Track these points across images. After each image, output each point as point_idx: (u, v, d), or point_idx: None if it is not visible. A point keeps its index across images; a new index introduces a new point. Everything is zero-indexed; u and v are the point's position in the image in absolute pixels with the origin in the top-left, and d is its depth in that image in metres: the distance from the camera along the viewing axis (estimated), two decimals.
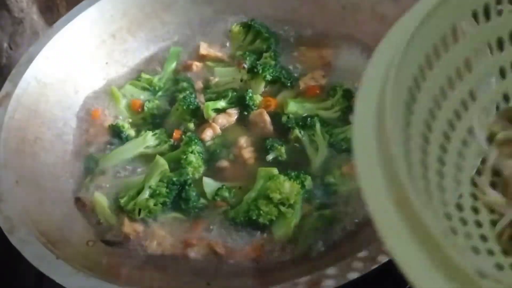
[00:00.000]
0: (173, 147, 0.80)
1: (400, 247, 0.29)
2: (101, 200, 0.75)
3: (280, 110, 0.81)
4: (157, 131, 0.82)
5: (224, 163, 0.77)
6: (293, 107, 0.80)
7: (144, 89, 0.90)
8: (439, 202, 0.38)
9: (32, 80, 0.82)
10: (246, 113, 0.82)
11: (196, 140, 0.77)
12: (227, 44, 0.94)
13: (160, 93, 0.89)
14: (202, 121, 0.83)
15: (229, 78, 0.87)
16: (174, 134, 0.82)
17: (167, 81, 0.90)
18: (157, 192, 0.72)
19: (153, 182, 0.73)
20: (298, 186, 0.69)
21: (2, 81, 0.81)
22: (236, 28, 0.94)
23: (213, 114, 0.82)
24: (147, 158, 0.79)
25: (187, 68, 0.91)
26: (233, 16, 0.96)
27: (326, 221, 0.67)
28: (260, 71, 0.83)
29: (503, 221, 0.41)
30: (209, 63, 0.91)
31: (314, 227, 0.67)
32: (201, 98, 0.86)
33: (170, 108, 0.86)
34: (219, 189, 0.73)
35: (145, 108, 0.86)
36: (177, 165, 0.76)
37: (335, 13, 0.90)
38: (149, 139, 0.80)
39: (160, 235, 0.70)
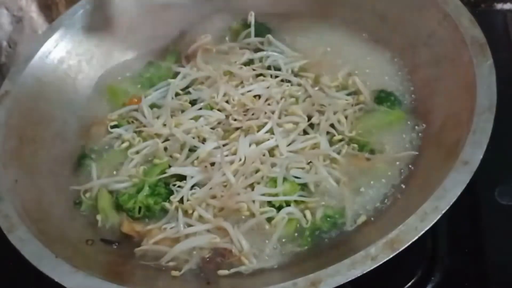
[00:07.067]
0: None
1: None
2: (105, 198, 0.75)
3: None
4: None
5: None
6: None
7: (144, 87, 0.89)
8: None
9: (31, 79, 0.82)
10: None
11: None
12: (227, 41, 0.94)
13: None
14: None
15: None
16: None
17: (167, 79, 0.90)
18: (156, 192, 0.72)
19: (152, 181, 0.73)
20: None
21: (1, 80, 0.81)
22: (235, 26, 0.94)
23: None
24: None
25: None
26: (232, 14, 0.96)
27: (327, 219, 0.67)
28: None
29: None
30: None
31: (314, 226, 0.66)
32: None
33: None
34: None
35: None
36: None
37: (334, 11, 0.90)
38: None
39: (159, 234, 0.70)
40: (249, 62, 0.87)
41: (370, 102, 0.78)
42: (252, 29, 0.91)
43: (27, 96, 0.81)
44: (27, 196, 0.70)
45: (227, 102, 0.81)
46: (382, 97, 0.78)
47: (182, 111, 0.82)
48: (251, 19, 0.92)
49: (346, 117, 0.76)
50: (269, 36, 0.89)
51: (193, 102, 0.83)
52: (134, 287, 0.61)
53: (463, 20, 0.71)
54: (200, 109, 0.81)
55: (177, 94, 0.85)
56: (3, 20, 1.04)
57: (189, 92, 0.85)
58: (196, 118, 0.80)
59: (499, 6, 1.04)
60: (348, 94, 0.80)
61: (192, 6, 0.96)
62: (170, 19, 0.97)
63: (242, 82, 0.84)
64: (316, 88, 0.81)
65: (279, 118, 0.77)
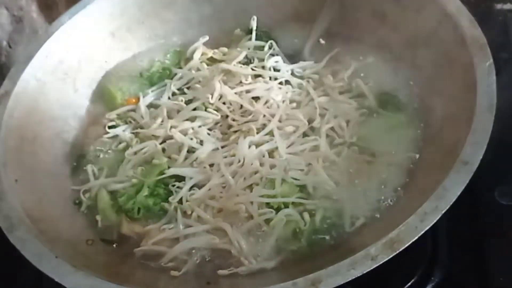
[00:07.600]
0: None
1: None
2: (104, 198, 0.75)
3: None
4: None
5: None
6: None
7: (143, 87, 0.89)
8: None
9: (31, 79, 0.82)
10: None
11: None
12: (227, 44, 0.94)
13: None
14: None
15: None
16: None
17: (166, 79, 0.90)
18: (155, 192, 0.72)
19: (151, 181, 0.73)
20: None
21: (1, 79, 0.81)
22: (238, 32, 0.94)
23: None
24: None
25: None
26: (233, 15, 0.96)
27: (326, 221, 0.67)
28: None
29: None
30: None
31: (314, 227, 0.66)
32: None
33: None
34: None
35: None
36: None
37: (335, 12, 0.90)
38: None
39: (158, 234, 0.70)
40: (248, 63, 0.87)
41: (374, 105, 0.78)
42: (253, 34, 0.90)
43: (27, 96, 0.81)
44: (27, 196, 0.70)
45: (223, 103, 0.80)
46: (384, 99, 0.78)
47: (178, 111, 0.82)
48: (253, 24, 0.91)
49: (348, 122, 0.76)
50: (272, 42, 0.88)
51: (188, 102, 0.83)
52: (134, 287, 0.61)
53: (463, 20, 0.71)
54: (195, 109, 0.81)
55: (174, 94, 0.85)
56: (3, 20, 1.04)
57: (184, 93, 0.85)
58: (192, 119, 0.80)
59: (499, 6, 1.04)
60: (351, 98, 0.80)
61: (192, 6, 0.97)
62: (170, 19, 0.97)
63: (240, 82, 0.83)
64: (320, 89, 0.81)
65: (279, 121, 0.77)
